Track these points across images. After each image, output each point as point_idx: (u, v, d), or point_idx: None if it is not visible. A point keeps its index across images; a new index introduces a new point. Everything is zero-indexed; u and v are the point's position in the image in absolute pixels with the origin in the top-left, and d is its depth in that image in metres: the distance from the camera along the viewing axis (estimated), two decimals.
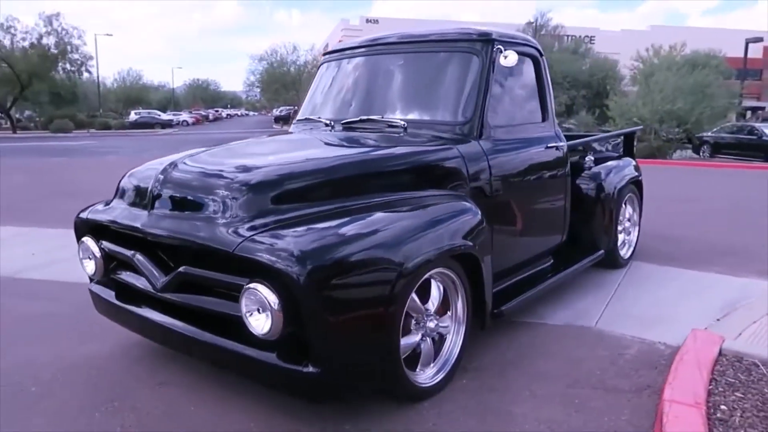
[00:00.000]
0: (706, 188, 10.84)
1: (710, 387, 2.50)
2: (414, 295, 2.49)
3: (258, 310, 2.13)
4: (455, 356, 2.77)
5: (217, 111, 78.41)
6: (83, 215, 2.92)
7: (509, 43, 3.34)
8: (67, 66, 37.69)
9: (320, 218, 2.32)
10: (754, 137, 18.65)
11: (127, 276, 2.79)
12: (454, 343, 2.79)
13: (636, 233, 4.97)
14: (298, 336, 2.15)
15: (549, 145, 3.59)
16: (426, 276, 2.53)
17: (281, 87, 49.69)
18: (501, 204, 3.18)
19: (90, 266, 2.90)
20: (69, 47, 36.73)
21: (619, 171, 4.64)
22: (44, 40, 36.14)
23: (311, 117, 3.65)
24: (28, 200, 8.74)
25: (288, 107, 54.12)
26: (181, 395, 2.68)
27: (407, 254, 2.34)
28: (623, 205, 4.65)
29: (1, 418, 2.50)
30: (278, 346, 2.20)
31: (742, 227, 6.57)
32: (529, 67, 3.58)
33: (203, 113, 65.87)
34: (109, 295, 2.91)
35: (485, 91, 3.14)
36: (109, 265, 2.87)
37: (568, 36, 40.95)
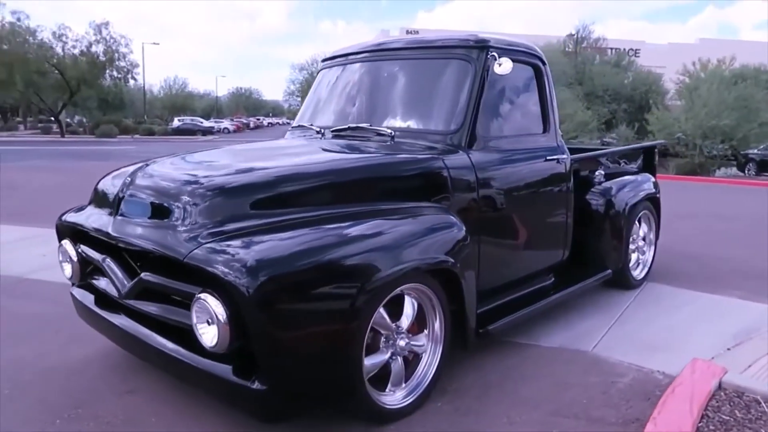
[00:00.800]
0: (749, 207, 10.31)
1: (700, 424, 2.29)
2: (382, 311, 2.38)
3: (207, 322, 2.05)
4: (430, 377, 2.64)
5: (258, 119, 79.71)
6: (61, 218, 2.91)
7: (508, 50, 3.20)
8: (114, 73, 39.00)
9: (281, 228, 2.23)
10: None
11: (100, 281, 2.76)
12: (429, 363, 2.66)
13: (651, 253, 4.72)
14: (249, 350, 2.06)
15: (549, 158, 3.42)
16: (396, 292, 2.41)
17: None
18: (491, 218, 3.04)
19: (68, 269, 2.89)
20: (116, 55, 38.01)
21: (634, 187, 4.42)
22: (93, 48, 37.49)
23: (304, 124, 3.59)
24: (54, 202, 8.95)
25: None
26: (145, 404, 2.63)
27: (372, 268, 2.23)
28: (636, 223, 4.42)
29: None
30: (233, 359, 2.11)
31: None
32: (530, 76, 3.44)
33: (244, 121, 67.03)
34: (87, 299, 2.88)
35: (477, 99, 3.00)
36: (86, 269, 2.85)
37: (612, 49, 40.12)
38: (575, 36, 37.85)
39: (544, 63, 3.49)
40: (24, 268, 4.92)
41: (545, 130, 3.50)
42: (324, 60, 3.86)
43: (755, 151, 18.85)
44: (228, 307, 1.98)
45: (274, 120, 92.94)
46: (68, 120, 43.10)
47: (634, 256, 4.49)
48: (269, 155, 2.98)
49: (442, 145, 2.94)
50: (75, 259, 2.81)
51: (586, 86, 27.56)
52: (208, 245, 2.09)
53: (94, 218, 2.62)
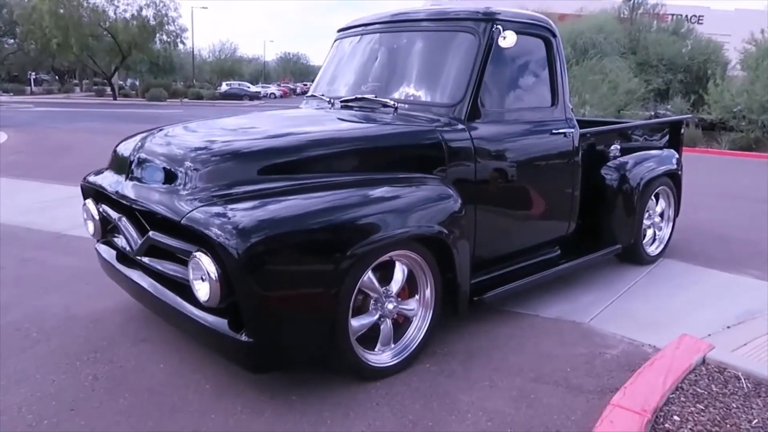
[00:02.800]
0: None
1: (672, 396, 2.36)
2: (371, 275, 2.51)
3: (201, 278, 2.23)
4: (418, 340, 2.77)
5: (305, 84, 79.91)
6: (84, 179, 3.14)
7: (517, 23, 3.22)
8: (164, 37, 39.82)
9: (275, 194, 2.37)
10: None
11: (118, 238, 2.99)
12: (418, 327, 2.79)
13: (669, 230, 4.67)
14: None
15: (555, 131, 3.44)
16: (385, 258, 2.54)
17: None
18: (490, 190, 3.10)
19: (90, 227, 3.13)
20: (166, 19, 38.76)
21: (652, 162, 4.36)
22: (144, 12, 38.33)
23: (316, 94, 3.70)
24: (101, 164, 9.39)
25: None
26: (155, 352, 2.86)
27: (360, 234, 2.36)
28: (652, 199, 4.38)
29: (1, 357, 2.79)
30: (227, 313, 2.29)
31: None
32: (539, 48, 3.43)
33: (291, 86, 67.44)
34: (109, 254, 3.12)
35: (480, 72, 3.04)
36: (106, 227, 3.08)
37: (672, 15, 38.24)
38: (632, 2, 36.24)
39: (555, 36, 3.48)
40: (66, 225, 5.26)
41: (553, 103, 3.50)
42: (339, 30, 3.93)
43: None
44: (219, 265, 2.15)
45: None
46: (121, 83, 44.39)
47: (649, 232, 4.46)
48: (274, 123, 3.12)
49: (444, 118, 3.01)
50: (97, 217, 3.04)
51: (640, 55, 26.48)
52: (204, 208, 2.25)
53: (111, 180, 2.83)
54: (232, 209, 2.24)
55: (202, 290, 2.23)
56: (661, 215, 4.60)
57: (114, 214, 2.87)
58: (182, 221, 2.24)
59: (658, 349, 2.98)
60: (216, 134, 2.76)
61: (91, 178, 3.05)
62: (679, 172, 4.65)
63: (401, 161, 2.79)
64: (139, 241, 2.65)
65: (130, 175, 2.65)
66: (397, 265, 2.66)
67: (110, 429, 2.25)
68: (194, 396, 2.49)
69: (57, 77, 54.66)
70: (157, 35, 39.44)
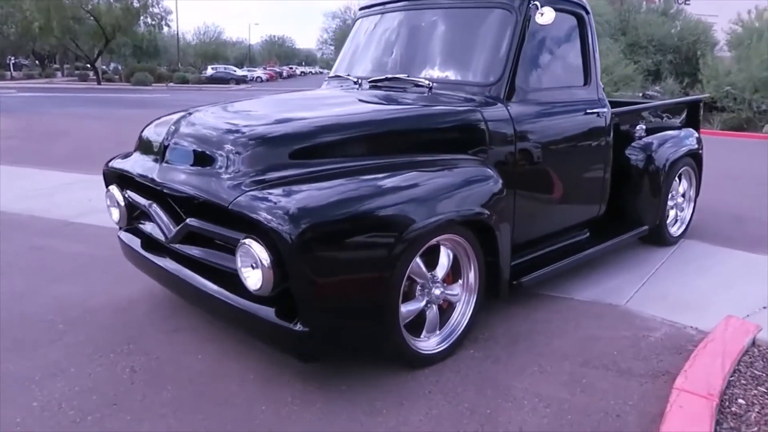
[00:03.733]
0: None
1: (731, 378, 2.32)
2: (419, 261, 2.43)
3: (252, 266, 2.13)
4: (463, 326, 2.71)
5: (291, 68, 79.17)
6: (108, 164, 3.01)
7: None
8: (148, 20, 39.02)
9: (321, 178, 2.28)
10: None
11: (146, 225, 2.88)
12: (462, 312, 2.72)
13: (690, 210, 4.64)
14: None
15: (589, 111, 3.37)
16: (432, 242, 2.46)
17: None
18: (528, 172, 3.03)
19: (115, 214, 3.01)
20: (150, 1, 37.93)
21: (676, 142, 4.31)
22: None
23: (341, 74, 3.58)
24: (98, 149, 9.17)
25: None
26: (191, 343, 2.77)
27: (409, 219, 2.28)
28: (676, 180, 4.33)
29: (28, 349, 2.67)
30: (276, 302, 2.21)
31: None
32: (572, 26, 3.34)
33: (277, 70, 66.73)
34: (134, 242, 3.01)
35: (517, 50, 2.95)
36: (132, 213, 2.96)
37: None
38: None
39: (587, 12, 3.39)
40: (72, 212, 5.11)
41: (586, 82, 3.42)
42: (362, 8, 3.81)
43: None
44: (271, 252, 2.06)
45: (306, 69, 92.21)
46: (103, 67, 43.49)
47: (672, 213, 4.42)
48: (308, 105, 3.01)
49: (481, 97, 2.92)
50: (122, 204, 2.92)
51: (630, 36, 26.46)
52: (251, 193, 2.15)
53: (140, 165, 2.71)
54: (281, 193, 2.14)
55: (252, 278, 2.14)
56: (683, 195, 4.56)
57: (143, 201, 2.76)
58: (230, 207, 2.14)
59: (701, 331, 2.95)
60: (254, 117, 2.65)
61: (117, 164, 2.93)
62: (701, 152, 4.60)
63: (444, 142, 2.71)
64: (174, 229, 2.54)
65: (164, 160, 2.54)
66: (442, 249, 2.59)
67: (157, 423, 2.16)
68: (239, 387, 2.40)
69: (37, 62, 53.52)
70: (141, 18, 38.66)
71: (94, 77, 38.80)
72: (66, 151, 8.75)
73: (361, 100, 3.07)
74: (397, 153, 2.55)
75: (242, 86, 41.76)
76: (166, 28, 42.24)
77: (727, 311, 3.11)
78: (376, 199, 2.23)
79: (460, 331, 2.69)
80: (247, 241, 2.11)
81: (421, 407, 2.28)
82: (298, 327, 2.11)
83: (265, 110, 2.87)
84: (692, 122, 4.88)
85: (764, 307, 3.27)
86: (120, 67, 45.76)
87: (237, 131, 2.39)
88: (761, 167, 8.80)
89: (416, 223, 2.29)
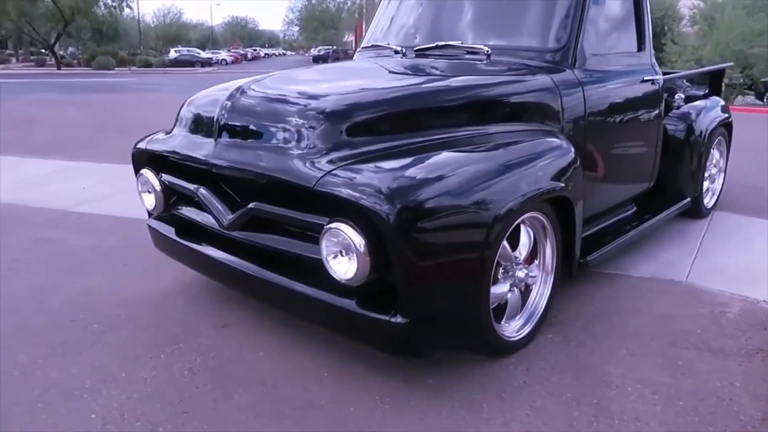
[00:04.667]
0: None
1: None
2: (505, 242, 2.23)
3: (341, 253, 1.90)
4: (542, 308, 2.53)
5: (255, 50, 77.45)
6: (141, 145, 2.72)
7: None
8: (109, 1, 37.48)
9: (405, 152, 2.06)
10: None
11: (189, 211, 2.61)
12: (540, 293, 2.55)
13: (721, 181, 4.56)
14: (384, 282, 1.93)
15: (645, 78, 3.20)
16: (518, 220, 2.26)
17: (320, 25, 48.67)
18: (593, 141, 2.85)
19: (149, 200, 2.73)
20: None
21: (709, 111, 4.19)
22: None
23: (379, 43, 3.32)
24: (77, 135, 8.69)
25: (327, 47, 53.10)
26: (246, 339, 2.53)
27: (503, 195, 2.08)
28: (712, 150, 4.23)
29: (68, 353, 2.39)
30: (359, 292, 1.99)
31: None
32: None
33: (241, 52, 65.19)
34: (169, 231, 2.74)
35: (582, 12, 2.76)
36: (170, 199, 2.69)
37: None
38: None
39: None
40: (68, 201, 4.75)
41: (640, 48, 3.25)
42: None
43: None
44: (367, 236, 1.83)
45: (270, 51, 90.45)
46: (61, 52, 41.69)
47: (705, 184, 4.33)
48: (371, 75, 2.76)
49: (546, 63, 2.72)
50: (158, 189, 2.64)
51: None
52: (338, 171, 1.91)
53: (187, 144, 2.43)
54: (371, 170, 1.92)
55: (342, 267, 1.91)
56: (716, 166, 4.47)
57: (189, 185, 2.48)
58: (315, 187, 1.89)
59: None
60: (322, 87, 2.38)
61: (153, 144, 2.64)
62: (731, 120, 4.50)
63: (520, 112, 2.51)
64: (232, 215, 2.28)
65: (219, 138, 2.26)
66: (523, 228, 2.39)
67: None
68: (317, 387, 2.18)
69: None
70: None
71: (53, 62, 37.16)
72: (45, 138, 8.23)
73: (421, 71, 2.82)
74: (474, 124, 2.34)
75: (208, 69, 40.70)
76: (127, 10, 40.73)
77: None
78: (472, 174, 2.02)
79: (539, 315, 2.52)
80: (336, 225, 1.87)
81: (522, 400, 2.10)
82: (397, 318, 1.90)
83: (328, 81, 2.61)
84: (715, 92, 4.78)
85: None
86: (78, 52, 43.93)
87: (309, 103, 2.14)
88: (753, 137, 8.85)
89: (511, 199, 2.09)
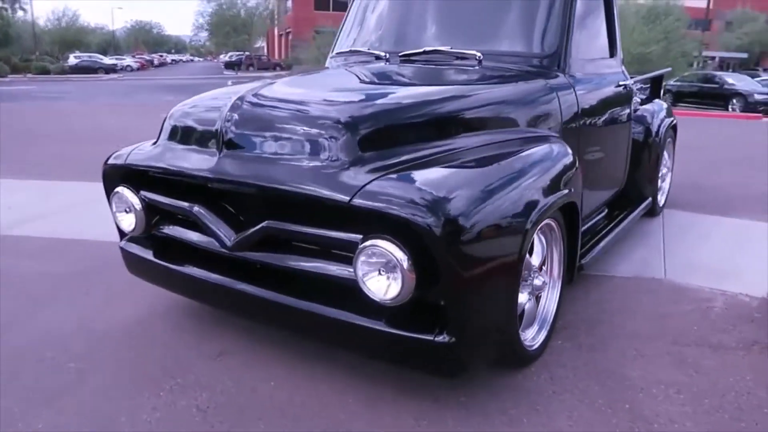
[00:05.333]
0: (692, 136, 10.83)
1: None
2: None
3: (380, 272, 1.78)
4: (552, 314, 2.52)
5: (161, 56, 74.34)
6: (117, 161, 2.46)
7: None
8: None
9: (432, 162, 1.97)
10: (716, 86, 18.93)
11: (177, 231, 2.38)
12: (550, 299, 2.53)
13: (669, 180, 4.80)
14: (422, 300, 1.83)
15: (620, 83, 3.29)
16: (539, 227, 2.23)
17: (232, 30, 47.30)
18: (584, 147, 2.89)
19: (127, 221, 2.46)
20: None
21: (659, 114, 4.40)
22: None
23: (359, 49, 3.20)
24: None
25: (239, 52, 51.76)
26: (249, 367, 2.33)
27: (533, 202, 2.03)
28: (665, 150, 4.44)
29: (50, 399, 2.10)
30: (396, 313, 1.87)
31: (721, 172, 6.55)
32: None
33: (147, 58, 62.38)
34: (147, 253, 2.50)
35: (570, 18, 2.79)
36: (152, 219, 2.45)
37: None
38: None
39: None
40: None
41: (612, 54, 3.34)
42: None
43: (672, 82, 19.84)
44: (411, 251, 1.73)
45: (177, 57, 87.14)
46: None
47: (658, 183, 4.53)
48: (381, 82, 2.64)
49: (538, 69, 2.72)
50: (138, 208, 2.39)
51: None
52: (373, 184, 1.79)
53: (181, 159, 2.20)
54: (410, 182, 1.81)
55: (381, 286, 1.79)
56: (665, 166, 4.69)
57: (181, 203, 2.26)
58: (352, 202, 1.76)
59: (753, 297, 3.00)
60: (339, 94, 2.24)
61: (135, 159, 2.38)
62: (676, 123, 4.75)
63: (530, 118, 2.48)
64: (235, 234, 2.10)
65: (223, 150, 2.07)
66: (536, 235, 2.36)
67: None
68: (345, 414, 2.04)
69: None
70: None
71: None
72: None
73: (427, 77, 2.71)
74: (492, 130, 2.29)
75: (113, 75, 38.60)
76: (21, 12, 37.82)
77: (760, 275, 3.20)
78: (505, 182, 1.96)
79: (550, 321, 2.50)
80: (375, 241, 1.75)
81: (558, 410, 2.06)
82: (443, 337, 1.80)
83: (339, 88, 2.45)
84: (656, 96, 5.03)
85: None
86: None
87: (330, 111, 1.99)
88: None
89: (539, 206, 2.05)
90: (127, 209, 2.44)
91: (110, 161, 2.50)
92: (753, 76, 21.30)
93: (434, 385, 2.19)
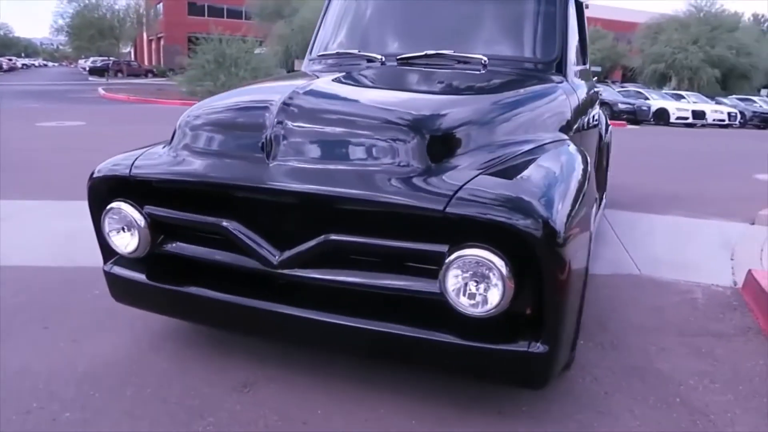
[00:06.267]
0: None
1: None
2: None
3: (474, 283, 1.68)
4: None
5: (11, 60, 67.22)
6: (117, 172, 2.12)
7: None
8: None
9: (504, 166, 1.90)
10: None
11: (188, 250, 2.10)
12: None
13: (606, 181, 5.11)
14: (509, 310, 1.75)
15: (595, 89, 3.44)
16: None
17: (97, 34, 43.93)
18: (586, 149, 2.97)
19: (125, 240, 2.14)
20: None
21: (604, 118, 4.67)
22: None
23: (348, 51, 3.04)
24: None
25: (104, 58, 48.29)
26: (287, 397, 2.10)
27: (591, 202, 2.05)
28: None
29: None
30: (476, 325, 1.77)
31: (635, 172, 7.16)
32: (573, 8, 3.35)
33: None
34: (140, 276, 2.20)
35: (567, 25, 2.86)
36: (158, 237, 2.14)
37: None
38: None
39: None
40: None
41: (585, 62, 3.48)
42: None
43: None
44: (509, 260, 1.65)
45: (28, 61, 79.44)
46: None
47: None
48: (433, 86, 2.52)
49: (542, 74, 2.76)
50: (142, 225, 2.09)
51: None
52: (464, 191, 1.68)
53: (216, 167, 1.94)
54: (501, 187, 1.73)
55: (476, 298, 1.68)
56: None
57: (208, 218, 2.00)
58: (446, 210, 1.64)
59: (723, 286, 3.26)
60: (400, 96, 2.12)
61: (148, 169, 2.06)
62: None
63: (557, 123, 2.50)
64: (278, 250, 1.89)
65: (276, 157, 1.84)
66: None
67: None
68: None
69: None
70: None
71: None
72: None
73: (460, 81, 2.61)
74: (535, 134, 2.26)
75: None
76: None
77: (719, 267, 3.50)
78: (574, 185, 1.92)
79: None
80: (470, 251, 1.64)
81: (619, 410, 2.07)
82: (537, 348, 1.73)
83: (394, 89, 2.29)
84: None
85: (732, 259, 3.74)
86: None
87: (406, 114, 1.86)
88: None
89: (594, 204, 2.07)
90: (127, 227, 2.12)
91: (103, 173, 2.16)
92: None
93: (488, 397, 2.11)
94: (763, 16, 49.14)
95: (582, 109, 2.94)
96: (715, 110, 21.90)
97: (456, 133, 1.91)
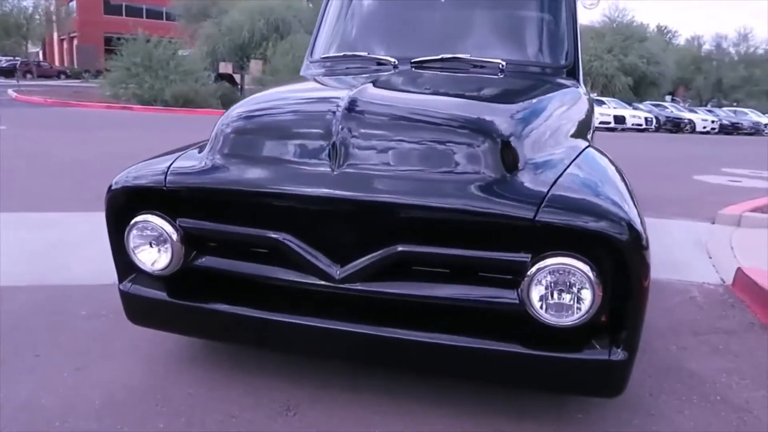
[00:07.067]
0: None
1: None
2: None
3: (561, 292, 1.64)
4: None
5: None
6: (146, 181, 1.93)
7: None
8: None
9: (576, 172, 1.87)
10: None
11: (227, 264, 1.94)
12: None
13: None
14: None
15: (589, 93, 3.51)
16: None
17: (2, 31, 40.98)
18: None
19: (153, 256, 1.95)
20: None
21: None
22: None
23: (356, 53, 2.93)
24: None
25: (9, 58, 45.16)
26: (343, 419, 1.98)
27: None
28: None
29: None
30: (556, 336, 1.73)
31: None
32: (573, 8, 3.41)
33: None
34: (161, 295, 2.02)
35: (577, 31, 2.90)
36: (191, 251, 1.97)
37: None
38: None
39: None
40: None
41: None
42: None
43: None
44: (598, 267, 1.62)
45: None
46: None
47: None
48: (484, 91, 2.44)
49: (560, 79, 2.77)
50: (175, 238, 1.91)
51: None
52: (551, 198, 1.64)
53: (272, 176, 1.79)
54: (585, 193, 1.71)
55: (563, 309, 1.64)
56: None
57: (259, 231, 1.84)
58: (537, 219, 1.59)
59: (713, 284, 3.40)
60: (467, 99, 2.04)
61: (189, 179, 1.88)
62: None
63: (587, 127, 2.51)
64: (338, 265, 1.77)
65: (343, 164, 1.72)
66: None
67: None
68: None
69: None
70: None
71: None
72: None
73: (497, 86, 2.56)
74: (577, 139, 2.26)
75: None
76: None
77: (701, 265, 3.66)
78: (629, 189, 1.93)
79: None
80: (558, 260, 1.61)
81: (670, 412, 2.09)
82: (617, 355, 1.71)
83: (459, 92, 2.21)
84: None
85: (710, 257, 3.92)
86: None
87: (484, 120, 1.81)
88: None
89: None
90: (156, 242, 1.94)
91: (128, 184, 1.96)
92: None
93: (536, 406, 2.08)
94: (665, 27, 52.71)
95: (593, 114, 2.99)
96: (633, 115, 23.29)
97: (523, 139, 1.86)
